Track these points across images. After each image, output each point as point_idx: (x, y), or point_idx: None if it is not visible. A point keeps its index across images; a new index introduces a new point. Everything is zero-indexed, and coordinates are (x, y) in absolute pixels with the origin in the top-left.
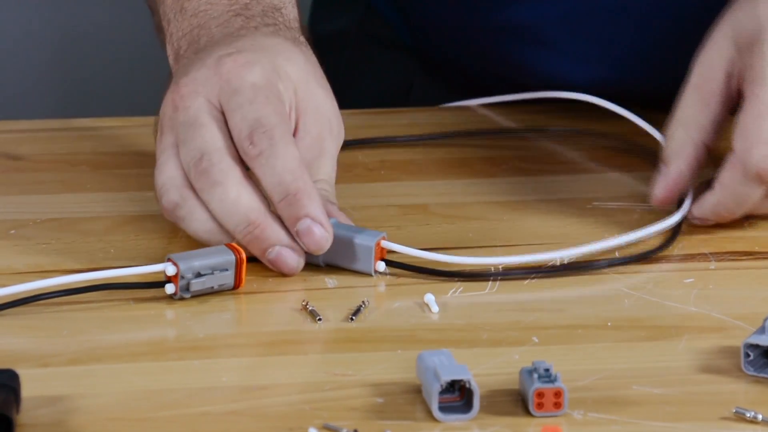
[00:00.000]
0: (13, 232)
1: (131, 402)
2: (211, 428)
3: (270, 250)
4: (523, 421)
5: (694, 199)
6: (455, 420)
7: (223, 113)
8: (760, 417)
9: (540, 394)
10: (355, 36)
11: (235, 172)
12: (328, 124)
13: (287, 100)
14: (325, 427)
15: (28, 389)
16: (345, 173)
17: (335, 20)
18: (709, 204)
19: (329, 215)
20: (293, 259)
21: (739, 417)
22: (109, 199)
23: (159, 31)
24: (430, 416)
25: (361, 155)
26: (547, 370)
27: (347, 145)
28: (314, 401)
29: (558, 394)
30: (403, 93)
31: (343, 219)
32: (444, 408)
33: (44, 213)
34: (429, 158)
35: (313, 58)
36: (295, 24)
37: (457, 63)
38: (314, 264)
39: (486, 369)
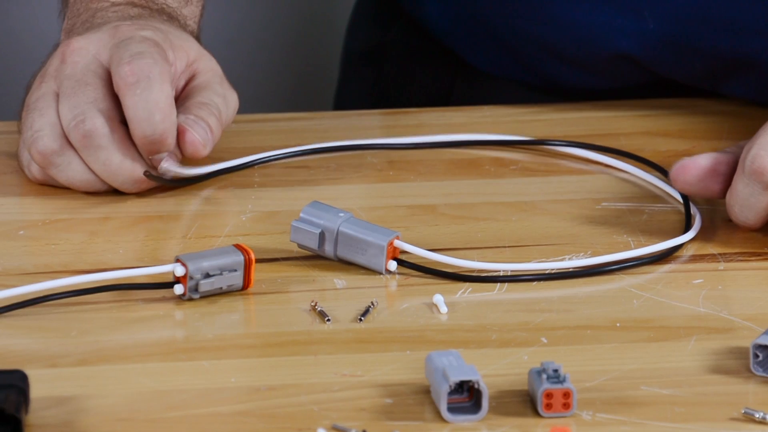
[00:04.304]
0: (22, 232)
1: (140, 403)
2: (219, 429)
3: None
4: (532, 421)
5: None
6: (464, 421)
7: (110, 72)
8: None
9: (549, 395)
10: (395, 49)
11: (118, 136)
12: (220, 78)
13: (175, 61)
14: (334, 427)
15: (36, 390)
16: (353, 174)
17: (372, 36)
18: (726, 202)
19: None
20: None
21: (748, 418)
22: (118, 200)
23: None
24: (439, 417)
25: (370, 156)
26: (555, 370)
27: (353, 146)
28: (323, 402)
29: (567, 394)
30: (442, 103)
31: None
32: (453, 408)
33: (53, 213)
34: (437, 159)
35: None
36: (193, 26)
37: (496, 27)
38: (327, 258)
39: (495, 369)
